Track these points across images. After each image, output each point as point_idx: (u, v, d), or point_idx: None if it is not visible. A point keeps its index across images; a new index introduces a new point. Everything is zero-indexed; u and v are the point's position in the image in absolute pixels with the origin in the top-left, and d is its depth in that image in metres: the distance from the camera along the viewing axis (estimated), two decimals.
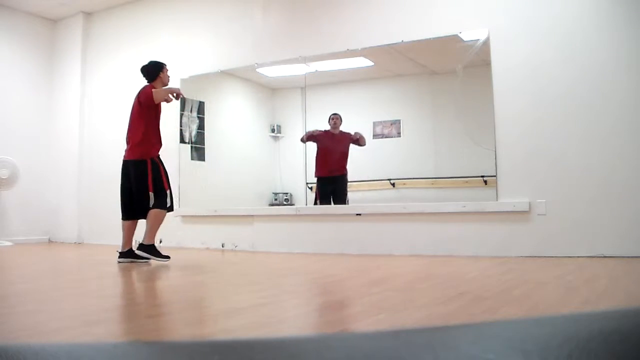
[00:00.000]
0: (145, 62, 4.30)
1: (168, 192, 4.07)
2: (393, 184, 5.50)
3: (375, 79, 6.01)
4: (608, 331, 0.30)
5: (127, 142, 4.16)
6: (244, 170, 6.40)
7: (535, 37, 4.30)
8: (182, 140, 6.08)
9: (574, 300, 2.20)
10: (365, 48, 5.11)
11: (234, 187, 6.21)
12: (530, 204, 4.20)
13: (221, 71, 5.97)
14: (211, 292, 2.99)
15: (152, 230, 4.01)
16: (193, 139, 6.13)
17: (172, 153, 6.08)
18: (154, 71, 4.25)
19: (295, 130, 6.06)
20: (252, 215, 5.45)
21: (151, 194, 4.00)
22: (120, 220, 4.20)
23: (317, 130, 5.55)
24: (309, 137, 5.56)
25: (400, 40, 4.88)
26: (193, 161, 6.14)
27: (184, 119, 6.12)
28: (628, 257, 3.80)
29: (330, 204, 5.37)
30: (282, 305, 2.48)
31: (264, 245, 5.30)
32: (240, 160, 6.43)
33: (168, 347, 0.32)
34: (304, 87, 5.64)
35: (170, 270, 3.94)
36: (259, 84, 6.50)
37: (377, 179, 5.51)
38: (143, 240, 4.02)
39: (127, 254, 4.12)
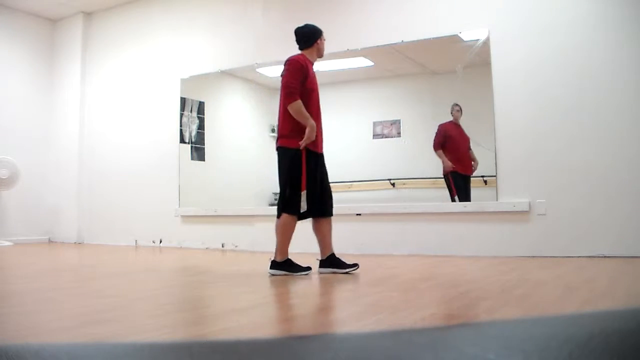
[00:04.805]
0: (301, 25, 3.47)
1: (303, 193, 3.33)
2: (393, 184, 5.50)
3: (375, 79, 6.01)
4: (608, 331, 0.30)
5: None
6: (244, 170, 6.39)
7: (534, 37, 4.30)
8: (182, 140, 6.08)
9: (574, 300, 2.20)
10: (365, 48, 5.12)
11: (233, 187, 6.21)
12: (530, 204, 4.20)
13: (221, 71, 5.97)
14: (211, 292, 2.99)
15: (282, 244, 3.37)
16: (193, 139, 6.13)
17: (172, 153, 6.09)
18: (311, 36, 3.38)
19: None
20: (252, 215, 5.45)
21: (288, 191, 3.33)
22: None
23: (443, 125, 5.10)
24: (440, 138, 5.11)
25: (400, 40, 4.88)
26: (193, 161, 6.13)
27: (184, 119, 6.12)
28: (628, 257, 3.80)
29: (468, 200, 4.86)
30: (282, 305, 2.48)
31: (264, 245, 5.29)
32: (240, 160, 6.42)
33: (168, 347, 0.32)
34: None
35: (170, 270, 3.94)
36: (259, 84, 6.50)
37: (377, 179, 5.51)
38: (275, 257, 3.35)
39: (326, 261, 3.45)
